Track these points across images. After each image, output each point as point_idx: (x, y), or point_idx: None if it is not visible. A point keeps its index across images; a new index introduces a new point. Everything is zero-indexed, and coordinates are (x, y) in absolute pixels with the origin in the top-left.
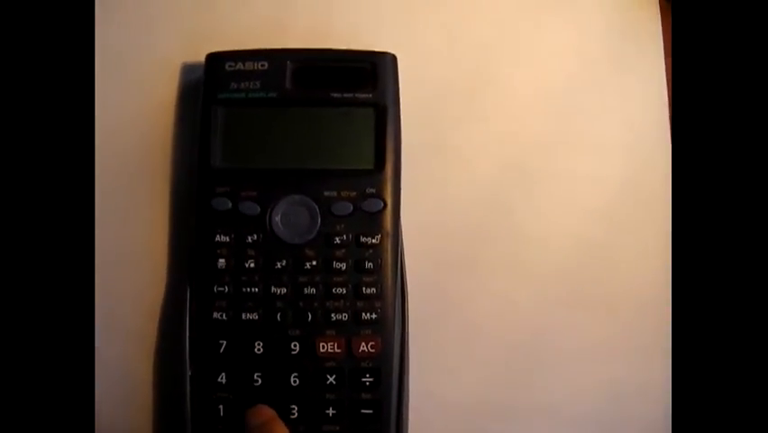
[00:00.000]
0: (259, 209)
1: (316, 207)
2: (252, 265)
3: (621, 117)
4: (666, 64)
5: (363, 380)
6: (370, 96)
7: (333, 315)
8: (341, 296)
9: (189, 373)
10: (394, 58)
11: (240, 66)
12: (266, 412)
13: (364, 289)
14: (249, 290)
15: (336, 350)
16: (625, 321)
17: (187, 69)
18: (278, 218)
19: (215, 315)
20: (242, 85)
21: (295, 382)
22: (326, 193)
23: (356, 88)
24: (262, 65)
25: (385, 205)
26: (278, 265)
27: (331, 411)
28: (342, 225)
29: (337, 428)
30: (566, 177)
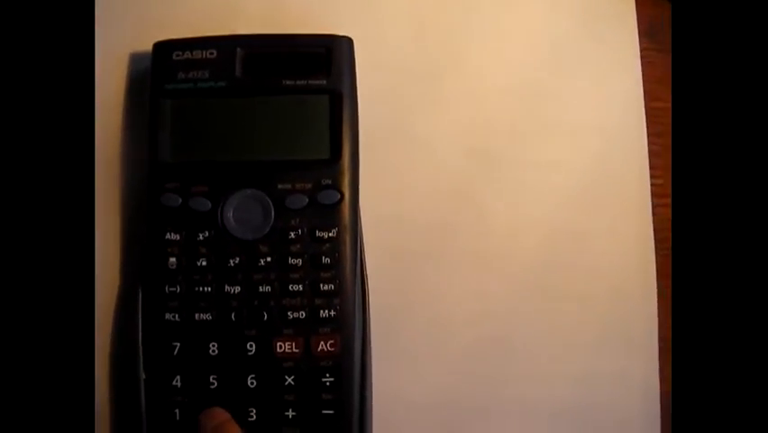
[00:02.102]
0: (210, 205)
1: (270, 200)
2: (204, 264)
3: (593, 100)
4: (641, 43)
5: (323, 380)
6: (325, 82)
7: (289, 313)
8: (297, 293)
9: (143, 376)
10: (350, 41)
11: (188, 55)
12: (220, 414)
13: (322, 285)
14: (201, 289)
15: (294, 350)
16: (600, 311)
17: (136, 59)
18: (230, 214)
19: (168, 316)
20: (191, 74)
21: (252, 383)
22: (280, 186)
23: (310, 75)
24: (211, 53)
25: (342, 196)
26: (231, 263)
27: (290, 413)
28: (297, 219)
29: (297, 430)
30: (536, 163)
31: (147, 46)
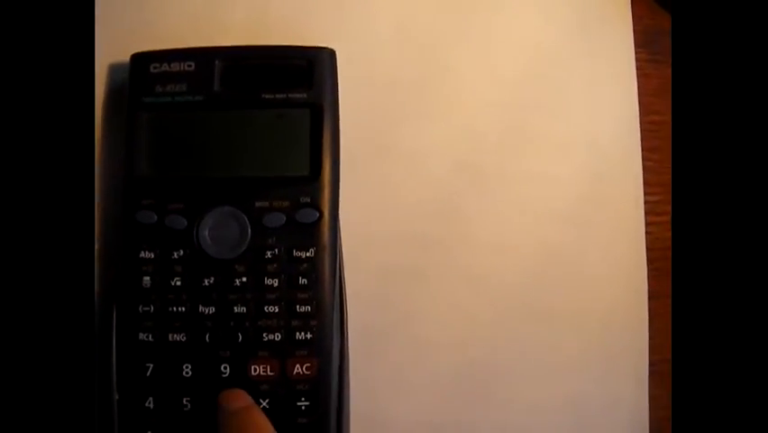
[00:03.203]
0: (186, 223)
1: (246, 218)
2: (179, 283)
3: (586, 113)
4: (636, 53)
5: (299, 404)
6: (305, 96)
7: (265, 335)
8: (273, 314)
9: (116, 397)
10: (332, 53)
11: (165, 67)
12: (242, 397)
13: (298, 306)
14: (175, 309)
15: (269, 373)
16: (590, 333)
17: (116, 70)
18: (206, 232)
19: (141, 336)
20: (168, 88)
21: None
22: (257, 203)
23: (290, 88)
24: (189, 65)
25: (321, 215)
26: (206, 282)
27: None
28: (275, 238)
29: None
30: (525, 178)
31: (127, 57)
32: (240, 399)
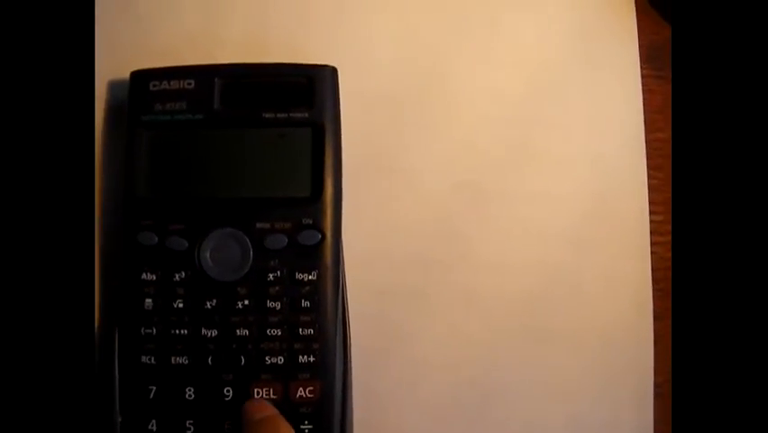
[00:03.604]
0: (187, 244)
1: (248, 240)
2: (181, 305)
3: (590, 130)
4: (642, 69)
5: (302, 427)
6: (307, 115)
7: (267, 358)
8: (276, 337)
9: (119, 419)
10: (334, 71)
11: (165, 85)
12: (266, 407)
13: (301, 329)
14: (178, 331)
15: (272, 396)
16: (591, 353)
17: (116, 87)
18: (207, 254)
19: (144, 359)
20: (168, 106)
21: (229, 429)
22: (259, 225)
23: (291, 107)
24: (189, 83)
25: (323, 237)
26: (209, 305)
27: None
28: (277, 261)
29: None
30: (526, 195)
31: (125, 73)
32: (264, 409)
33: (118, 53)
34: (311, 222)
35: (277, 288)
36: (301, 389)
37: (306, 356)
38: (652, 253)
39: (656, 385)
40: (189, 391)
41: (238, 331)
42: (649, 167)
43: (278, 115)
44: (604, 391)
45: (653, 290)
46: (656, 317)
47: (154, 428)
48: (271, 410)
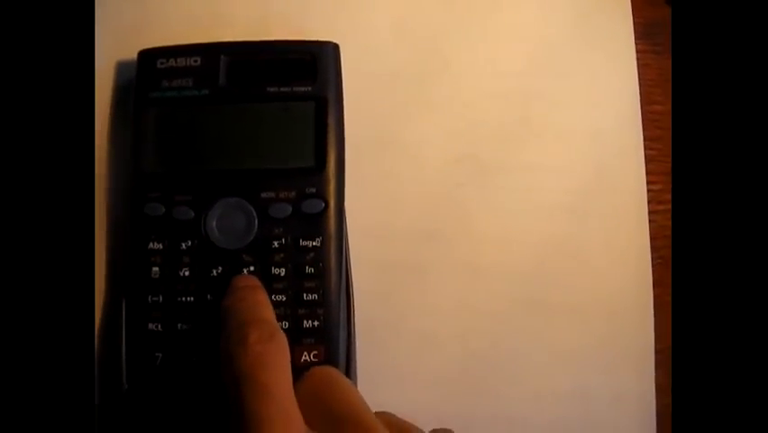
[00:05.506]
0: (193, 214)
1: (253, 209)
2: (187, 273)
3: (588, 102)
4: (637, 44)
5: None
6: (310, 89)
7: None
8: (280, 303)
9: (126, 387)
10: (336, 47)
11: (172, 63)
12: (252, 279)
13: (305, 295)
14: (184, 299)
15: None
16: (594, 324)
17: (123, 67)
18: (213, 223)
19: (150, 326)
20: (174, 83)
21: None
22: (263, 194)
23: (294, 81)
24: (195, 61)
25: (326, 205)
26: (214, 272)
27: None
28: (281, 229)
29: None
30: (526, 168)
31: (134, 54)
32: (249, 280)
33: (123, 35)
34: (314, 191)
35: (281, 255)
36: (306, 353)
37: (310, 321)
38: (650, 221)
39: (657, 351)
40: (195, 357)
41: None
42: (646, 138)
43: (282, 90)
44: (607, 358)
45: (652, 258)
46: (655, 285)
47: (160, 395)
48: (254, 282)
